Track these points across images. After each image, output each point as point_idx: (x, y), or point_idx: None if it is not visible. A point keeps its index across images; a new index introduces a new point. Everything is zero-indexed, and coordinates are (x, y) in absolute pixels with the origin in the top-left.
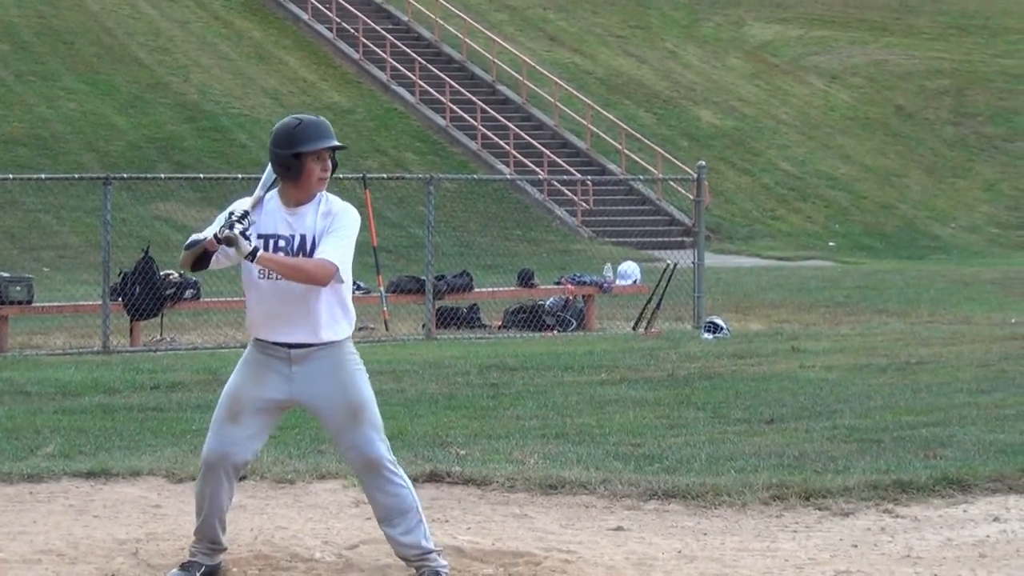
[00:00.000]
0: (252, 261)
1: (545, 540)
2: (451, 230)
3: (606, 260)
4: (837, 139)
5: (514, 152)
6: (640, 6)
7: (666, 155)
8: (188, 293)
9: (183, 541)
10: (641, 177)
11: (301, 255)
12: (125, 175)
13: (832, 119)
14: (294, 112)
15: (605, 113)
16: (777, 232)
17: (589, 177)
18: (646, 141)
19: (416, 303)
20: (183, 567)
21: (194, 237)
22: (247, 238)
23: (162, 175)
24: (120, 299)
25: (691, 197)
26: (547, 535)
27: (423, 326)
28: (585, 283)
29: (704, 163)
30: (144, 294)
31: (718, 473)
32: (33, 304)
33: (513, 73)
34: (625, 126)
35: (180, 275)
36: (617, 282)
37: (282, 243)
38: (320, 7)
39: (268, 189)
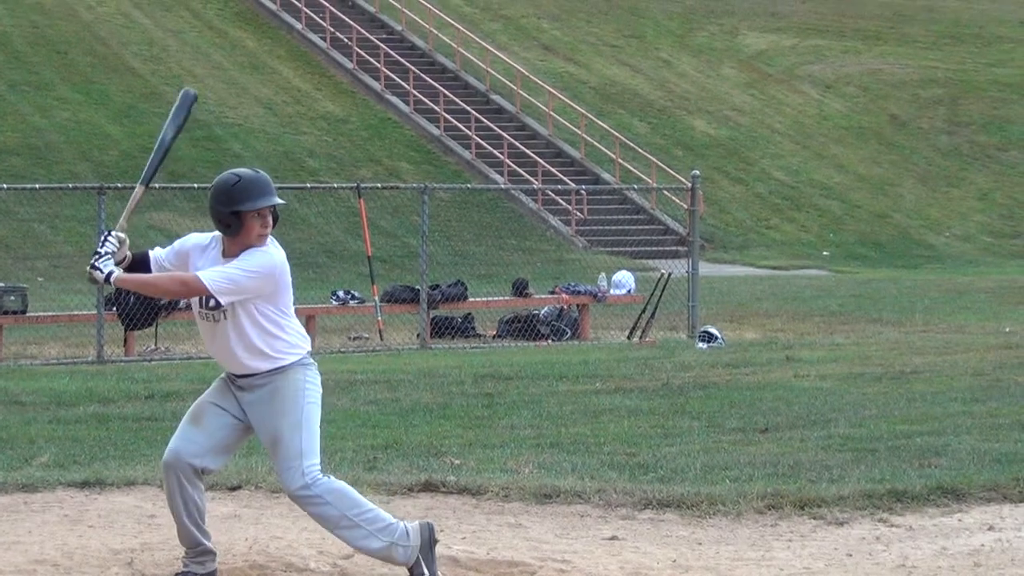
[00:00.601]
0: (110, 284)
1: (540, 550)
2: (445, 240)
3: (600, 269)
4: (831, 148)
5: (508, 161)
6: (634, 16)
7: (660, 164)
8: (183, 303)
9: (178, 551)
10: (635, 186)
11: None
12: (119, 184)
13: (826, 128)
14: (288, 123)
15: (599, 122)
16: (771, 241)
17: (583, 186)
18: (640, 150)
19: (411, 313)
20: None
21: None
22: (97, 268)
23: (156, 184)
24: (114, 309)
25: (685, 206)
26: (542, 545)
27: (418, 336)
28: (579, 292)
29: (698, 172)
30: (138, 304)
31: (713, 482)
32: (27, 314)
33: (507, 83)
34: (619, 135)
35: None
36: (611, 291)
37: None
38: (314, 17)
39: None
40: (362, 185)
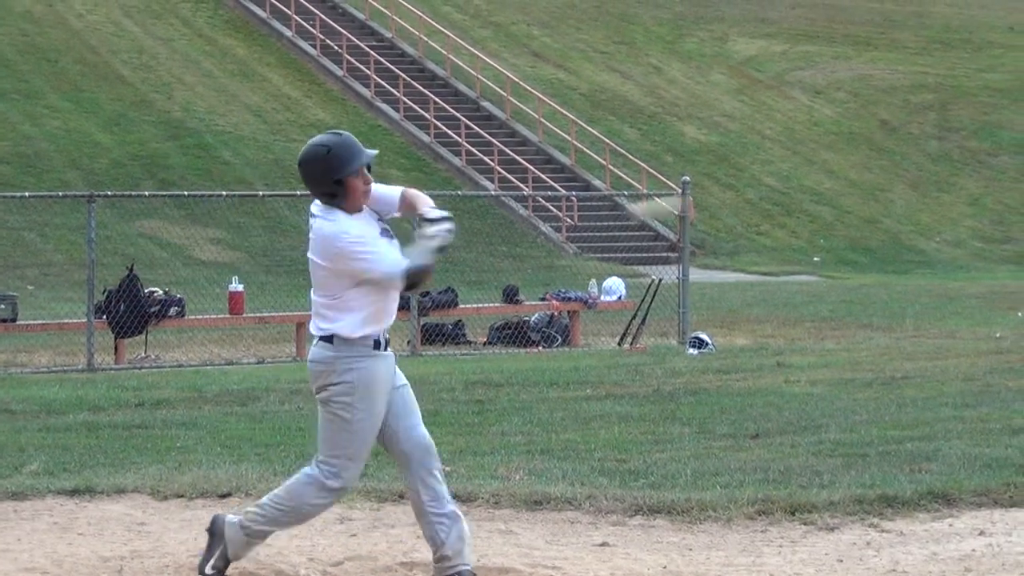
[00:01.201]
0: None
1: (531, 556)
2: None
3: (591, 276)
4: (821, 154)
5: (498, 168)
6: (624, 22)
7: (651, 171)
8: (172, 311)
9: (168, 559)
10: (626, 193)
11: None
12: (109, 193)
13: (816, 134)
14: (278, 130)
15: (589, 129)
16: (762, 247)
17: (574, 193)
18: (630, 157)
19: (401, 319)
20: None
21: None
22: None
23: (146, 192)
24: (105, 317)
25: (676, 213)
26: (532, 551)
27: (408, 342)
28: (570, 299)
29: (688, 178)
30: (129, 312)
31: (703, 488)
32: (17, 322)
33: (497, 89)
34: (609, 142)
35: (165, 292)
36: (602, 298)
37: None
38: (304, 24)
39: None
40: None
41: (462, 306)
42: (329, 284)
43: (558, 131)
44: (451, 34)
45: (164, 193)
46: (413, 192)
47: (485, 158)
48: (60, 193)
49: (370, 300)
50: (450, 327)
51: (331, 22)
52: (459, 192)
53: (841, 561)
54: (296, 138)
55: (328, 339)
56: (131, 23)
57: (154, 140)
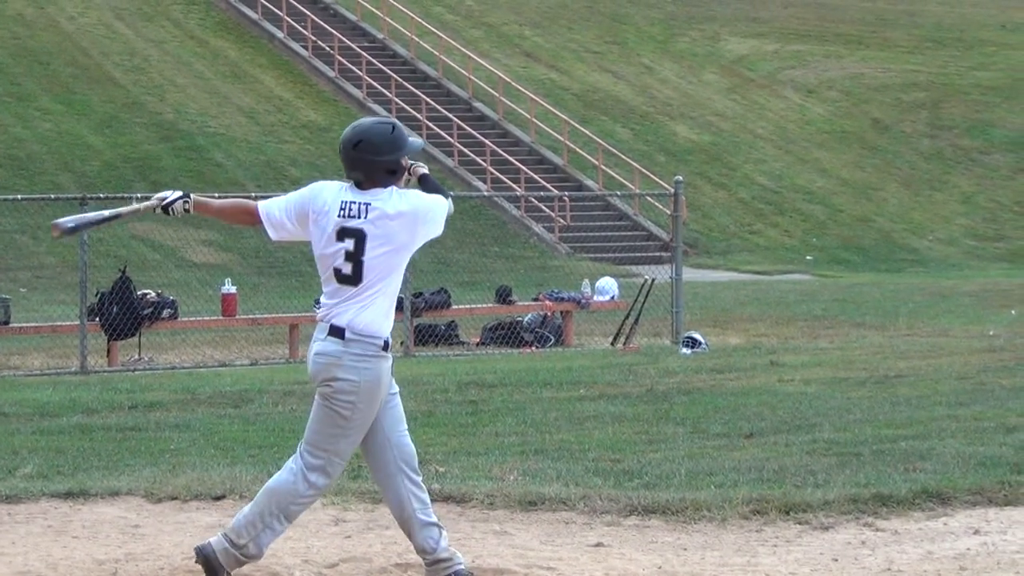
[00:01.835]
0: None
1: (525, 557)
2: (428, 247)
3: (584, 276)
4: (814, 153)
5: (491, 169)
6: (616, 22)
7: (643, 170)
8: (166, 313)
9: (162, 561)
10: (618, 193)
11: None
12: (102, 195)
13: (808, 133)
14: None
15: (582, 129)
16: (754, 246)
17: (566, 193)
18: (623, 157)
19: (394, 320)
20: None
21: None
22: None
23: (138, 194)
24: (97, 319)
25: (668, 212)
26: (527, 552)
27: (401, 343)
28: (563, 299)
29: (681, 178)
30: (122, 314)
31: (698, 488)
32: (10, 325)
33: (489, 90)
34: (602, 142)
35: (157, 294)
36: (595, 298)
37: None
38: (295, 25)
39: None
40: None
41: (455, 307)
42: (392, 265)
43: (550, 131)
44: (443, 35)
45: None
46: None
47: (477, 159)
48: (52, 196)
49: (396, 290)
50: (443, 328)
51: (323, 23)
52: (451, 193)
53: (836, 560)
54: (288, 139)
55: (339, 333)
56: (122, 25)
57: (146, 142)
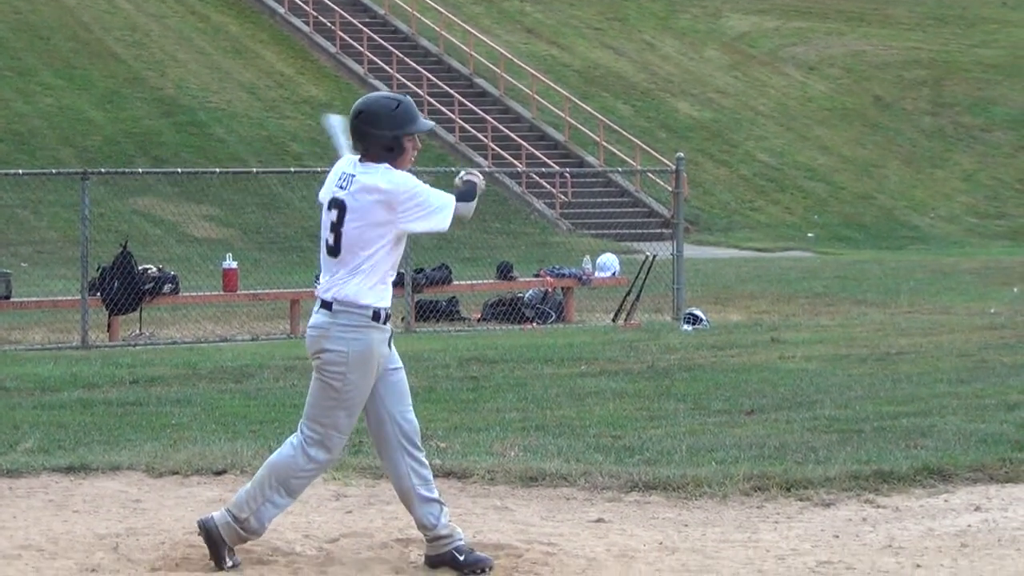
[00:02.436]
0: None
1: (526, 532)
2: None
3: (585, 252)
4: (815, 130)
5: (492, 145)
6: None
7: (644, 147)
8: (167, 287)
9: (163, 535)
10: (619, 169)
11: None
12: (103, 170)
13: (810, 110)
14: (271, 107)
15: (583, 105)
16: (756, 223)
17: (567, 169)
18: (624, 133)
19: (395, 296)
20: None
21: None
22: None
23: (140, 169)
24: (99, 294)
25: (670, 189)
26: (528, 527)
27: (402, 319)
28: (564, 275)
29: (682, 155)
30: (123, 289)
31: (699, 464)
32: (11, 299)
33: (490, 66)
34: (603, 118)
35: (158, 269)
36: (596, 274)
37: None
38: (296, 1)
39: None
40: None
41: (456, 283)
42: (365, 239)
43: (552, 108)
44: (444, 11)
45: (157, 170)
46: None
47: (479, 135)
48: (54, 171)
49: (389, 264)
50: (444, 304)
51: None
52: (453, 169)
53: (837, 537)
54: (289, 115)
55: (328, 305)
56: (123, 0)
57: (147, 117)
